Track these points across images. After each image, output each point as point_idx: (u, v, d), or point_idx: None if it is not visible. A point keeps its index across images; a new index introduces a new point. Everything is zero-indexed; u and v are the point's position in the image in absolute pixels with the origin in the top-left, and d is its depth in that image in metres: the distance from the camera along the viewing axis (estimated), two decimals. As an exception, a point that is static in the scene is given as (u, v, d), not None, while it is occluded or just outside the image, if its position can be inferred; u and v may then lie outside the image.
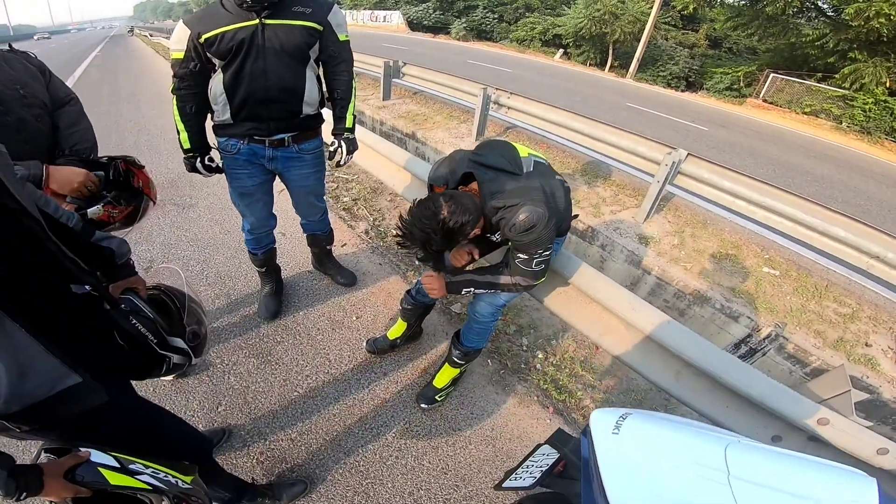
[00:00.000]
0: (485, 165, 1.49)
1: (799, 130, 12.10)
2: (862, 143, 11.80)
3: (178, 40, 1.66)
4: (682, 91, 17.23)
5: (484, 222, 1.48)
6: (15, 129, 1.25)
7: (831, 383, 2.10)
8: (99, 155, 1.54)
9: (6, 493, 0.68)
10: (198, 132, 1.84)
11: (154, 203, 1.57)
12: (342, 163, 2.02)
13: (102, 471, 0.83)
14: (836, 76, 12.91)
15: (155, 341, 0.92)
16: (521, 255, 1.49)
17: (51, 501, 0.81)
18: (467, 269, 1.79)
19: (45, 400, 0.75)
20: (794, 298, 3.59)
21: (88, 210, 1.33)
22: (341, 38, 1.81)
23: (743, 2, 15.01)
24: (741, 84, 15.77)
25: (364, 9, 34.19)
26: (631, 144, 4.23)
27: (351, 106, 1.96)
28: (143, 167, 1.52)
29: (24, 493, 0.71)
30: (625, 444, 0.86)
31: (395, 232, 1.45)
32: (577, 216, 1.88)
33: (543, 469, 1.11)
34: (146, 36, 25.45)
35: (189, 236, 3.05)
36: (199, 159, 1.87)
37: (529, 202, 1.38)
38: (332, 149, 2.01)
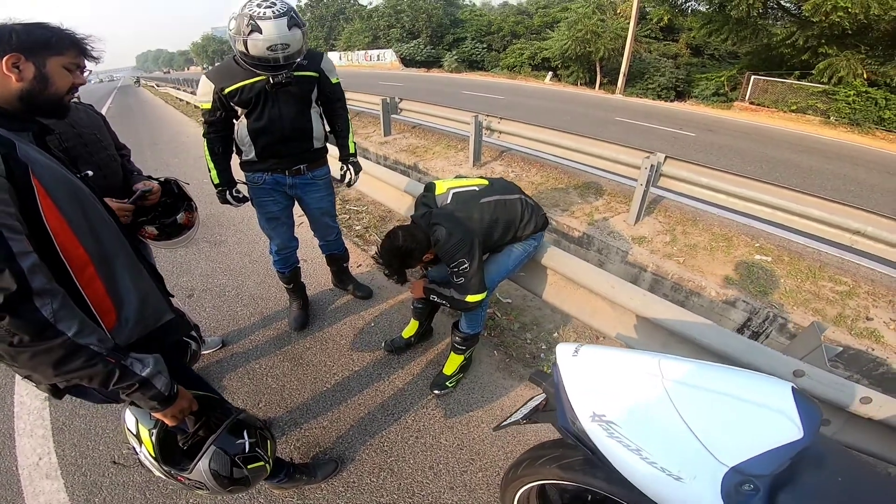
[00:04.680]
0: (423, 204, 2.01)
1: (789, 128, 12.32)
2: (853, 134, 11.96)
3: (205, 93, 1.98)
4: (672, 101, 17.55)
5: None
6: (98, 167, 1.61)
7: (805, 342, 2.24)
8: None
9: (168, 389, 0.99)
10: (225, 169, 2.19)
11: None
12: (352, 183, 2.44)
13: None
14: (814, 72, 13.17)
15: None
16: (448, 270, 1.88)
17: (163, 427, 1.11)
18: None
19: (154, 330, 1.08)
20: (788, 281, 3.72)
21: (177, 216, 1.70)
22: (333, 80, 2.17)
23: (712, 8, 15.34)
24: (726, 89, 16.07)
25: (358, 49, 35.89)
26: (612, 153, 4.57)
27: (351, 135, 2.37)
28: (188, 184, 1.89)
29: (175, 392, 1.02)
30: (582, 363, 1.13)
31: (374, 256, 2.00)
32: (544, 214, 2.15)
33: (530, 408, 1.39)
34: (153, 86, 26.45)
35: (222, 267, 3.44)
36: (227, 192, 2.22)
37: (435, 225, 1.82)
38: (342, 173, 2.41)
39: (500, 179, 2.13)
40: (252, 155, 2.12)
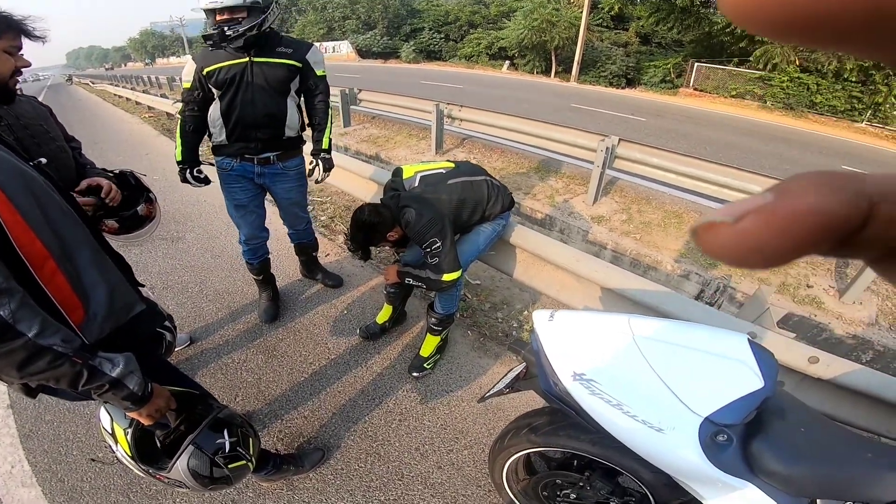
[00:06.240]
0: (393, 189, 2.02)
1: (729, 112, 13.12)
2: (787, 118, 12.89)
3: (188, 73, 2.05)
4: (623, 88, 18.20)
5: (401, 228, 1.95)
6: (49, 159, 1.51)
7: (754, 306, 2.41)
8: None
9: (141, 389, 0.95)
10: (191, 148, 2.20)
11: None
12: (319, 179, 2.37)
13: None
14: (751, 59, 14.00)
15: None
16: (421, 251, 1.92)
17: (139, 426, 1.08)
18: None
19: (125, 323, 1.04)
20: (734, 253, 4.03)
21: (137, 208, 1.62)
22: (318, 73, 2.15)
23: (659, -2, 16.11)
24: (672, 76, 16.85)
25: (313, 41, 34.76)
26: (570, 138, 4.72)
27: (327, 131, 2.31)
28: (146, 175, 1.81)
29: (149, 391, 0.98)
30: (559, 326, 1.19)
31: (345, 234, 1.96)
32: (510, 193, 2.20)
33: (512, 377, 1.43)
34: (88, 84, 24.97)
35: (183, 264, 3.29)
36: (188, 170, 2.21)
37: (404, 207, 1.87)
38: (311, 167, 2.36)
39: (466, 162, 2.18)
40: (222, 137, 2.13)
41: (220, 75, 1.97)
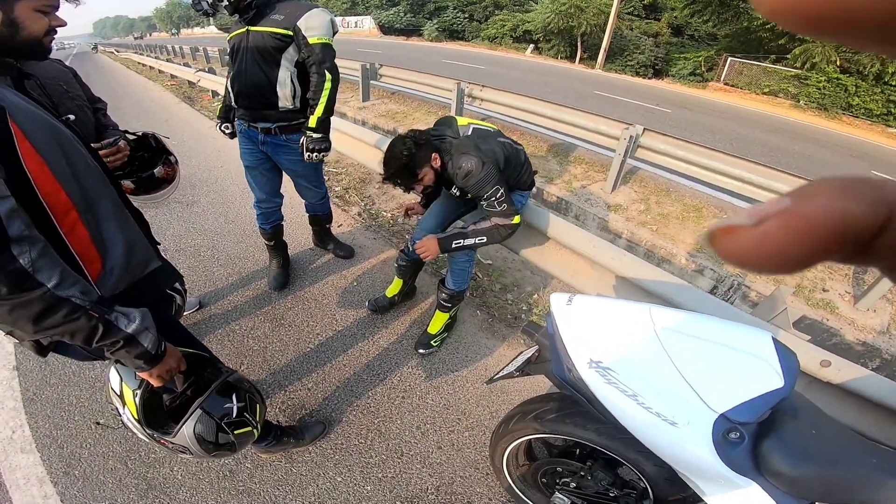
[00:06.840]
0: (436, 136, 1.92)
1: (759, 110, 12.65)
2: (820, 118, 12.41)
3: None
4: (650, 78, 17.69)
5: (437, 175, 1.88)
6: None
7: (770, 306, 2.35)
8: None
9: (155, 347, 0.93)
10: (227, 107, 2.34)
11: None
12: (306, 159, 2.17)
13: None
14: (789, 57, 13.43)
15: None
16: (482, 202, 1.84)
17: (148, 387, 1.06)
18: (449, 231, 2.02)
19: (141, 279, 1.03)
20: (750, 252, 3.94)
21: (154, 170, 1.59)
22: (311, 40, 1.95)
23: (698, -11, 15.53)
24: (703, 69, 16.24)
25: (335, 15, 34.26)
26: (593, 124, 4.58)
27: (319, 107, 2.04)
28: (168, 138, 1.77)
29: (163, 350, 0.96)
30: (577, 311, 1.14)
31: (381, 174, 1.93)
32: (536, 172, 2.17)
33: (523, 360, 1.40)
34: (113, 52, 25.20)
35: (196, 228, 3.30)
36: (219, 124, 2.38)
37: (463, 154, 1.77)
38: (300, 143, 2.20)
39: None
40: (231, 101, 2.21)
41: (230, 44, 2.08)
